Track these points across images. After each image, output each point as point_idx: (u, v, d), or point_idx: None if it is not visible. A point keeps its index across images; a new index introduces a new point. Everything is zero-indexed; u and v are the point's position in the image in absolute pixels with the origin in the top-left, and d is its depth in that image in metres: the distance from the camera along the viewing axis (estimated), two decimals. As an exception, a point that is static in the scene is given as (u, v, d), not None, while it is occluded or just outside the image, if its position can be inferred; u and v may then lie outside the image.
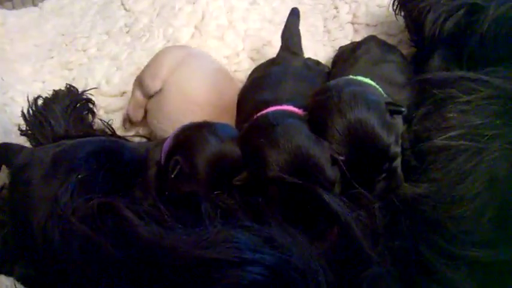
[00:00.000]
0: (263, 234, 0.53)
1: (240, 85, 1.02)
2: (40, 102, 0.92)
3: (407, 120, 0.81)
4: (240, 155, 0.67)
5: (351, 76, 0.79)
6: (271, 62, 0.97)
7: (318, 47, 1.19)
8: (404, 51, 1.09)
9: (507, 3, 0.87)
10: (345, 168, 0.65)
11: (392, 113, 0.70)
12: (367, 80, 0.77)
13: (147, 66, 0.95)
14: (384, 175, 0.70)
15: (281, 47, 0.98)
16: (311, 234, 0.60)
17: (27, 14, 1.50)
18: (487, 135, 0.70)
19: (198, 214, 0.56)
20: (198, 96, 0.87)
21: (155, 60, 0.94)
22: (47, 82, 1.21)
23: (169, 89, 0.88)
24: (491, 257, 0.59)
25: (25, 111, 0.86)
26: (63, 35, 1.37)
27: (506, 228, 0.61)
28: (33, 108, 0.89)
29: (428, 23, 0.95)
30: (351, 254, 0.58)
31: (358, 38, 1.17)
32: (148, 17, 1.28)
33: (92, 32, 1.33)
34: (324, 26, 1.27)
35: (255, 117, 0.74)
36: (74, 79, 1.18)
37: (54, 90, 0.99)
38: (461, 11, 0.93)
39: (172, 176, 0.63)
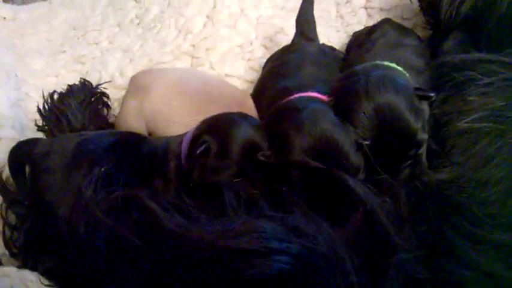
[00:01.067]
0: (287, 223, 0.52)
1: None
2: (56, 97, 0.91)
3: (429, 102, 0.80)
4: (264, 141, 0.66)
5: (377, 61, 0.77)
6: (287, 49, 0.96)
7: (331, 33, 1.18)
8: (420, 35, 1.07)
9: (526, -16, 0.84)
10: (370, 153, 0.64)
11: (421, 98, 0.68)
12: (394, 65, 0.76)
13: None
14: (409, 162, 0.68)
15: (296, 32, 0.97)
16: (334, 220, 0.59)
17: (37, 9, 1.50)
18: (509, 116, 0.68)
19: (221, 204, 0.56)
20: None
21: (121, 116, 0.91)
22: (60, 76, 1.21)
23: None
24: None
25: (41, 107, 0.85)
26: (74, 28, 1.36)
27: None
28: (49, 103, 0.89)
29: (444, 5, 0.94)
30: (376, 240, 0.57)
31: (371, 23, 1.15)
32: (159, 8, 1.27)
33: (103, 25, 1.32)
34: (337, 11, 1.25)
35: (278, 103, 0.73)
36: (87, 73, 1.18)
37: (68, 84, 0.98)
38: (478, -8, 0.91)
39: (198, 153, 0.63)
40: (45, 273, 0.67)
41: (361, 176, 0.65)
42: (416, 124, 0.66)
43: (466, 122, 0.70)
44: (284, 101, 0.72)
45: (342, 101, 0.69)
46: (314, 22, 0.97)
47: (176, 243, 0.48)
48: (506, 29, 0.85)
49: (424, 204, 0.63)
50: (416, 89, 0.69)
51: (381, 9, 1.19)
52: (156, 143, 0.74)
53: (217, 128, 0.67)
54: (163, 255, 0.48)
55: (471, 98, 0.75)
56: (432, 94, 0.69)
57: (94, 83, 1.09)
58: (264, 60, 1.05)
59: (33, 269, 0.69)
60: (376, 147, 0.65)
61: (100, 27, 1.32)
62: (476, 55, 0.80)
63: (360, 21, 1.19)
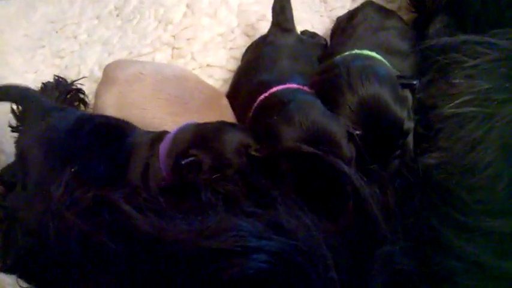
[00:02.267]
0: (267, 218, 0.51)
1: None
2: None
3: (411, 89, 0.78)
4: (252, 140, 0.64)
5: (356, 50, 0.75)
6: (262, 41, 0.93)
7: (315, 19, 1.15)
8: (404, 18, 1.05)
9: (511, -37, 0.82)
10: (360, 143, 0.63)
11: (404, 86, 0.66)
12: (373, 54, 0.74)
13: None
14: (397, 152, 0.67)
15: (272, 23, 0.95)
16: (324, 211, 0.58)
17: (14, 4, 1.46)
18: (496, 99, 0.67)
19: (199, 202, 0.54)
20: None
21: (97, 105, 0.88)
22: (39, 72, 1.19)
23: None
24: (507, 227, 0.56)
25: (14, 107, 0.83)
26: (52, 22, 1.33)
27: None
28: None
29: (430, -13, 0.91)
30: (366, 232, 0.55)
31: (355, 7, 1.12)
32: (138, -1, 1.24)
33: (81, 17, 1.29)
34: None
35: (260, 98, 0.71)
36: (66, 67, 1.16)
37: (42, 83, 0.96)
38: (463, -27, 0.88)
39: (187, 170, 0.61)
40: (22, 277, 0.65)
41: (353, 166, 0.63)
42: (402, 114, 0.64)
43: (450, 107, 0.68)
44: (266, 94, 0.70)
45: (325, 94, 0.67)
46: (290, 10, 0.94)
47: (151, 244, 0.46)
48: (492, 10, 0.83)
49: (412, 194, 0.61)
50: (399, 77, 0.66)
51: (365, -8, 1.16)
52: (140, 137, 0.72)
53: (205, 141, 0.65)
54: (138, 257, 0.46)
55: (456, 81, 0.74)
56: (415, 82, 0.67)
57: (73, 78, 1.07)
58: (246, 49, 1.03)
59: (11, 272, 0.67)
60: (364, 138, 0.64)
61: (78, 20, 1.29)
62: (462, 37, 0.78)
63: (344, 5, 1.16)
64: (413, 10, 1.04)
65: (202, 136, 0.65)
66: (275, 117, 0.63)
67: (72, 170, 0.58)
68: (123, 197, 0.53)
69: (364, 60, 0.69)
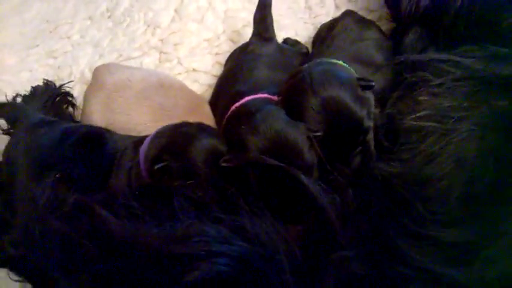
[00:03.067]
0: (233, 224, 0.55)
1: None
2: (19, 100, 0.93)
3: (382, 103, 0.83)
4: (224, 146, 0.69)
5: (323, 59, 0.80)
6: (243, 50, 0.97)
7: (299, 25, 1.19)
8: (384, 27, 1.09)
9: (482, -20, 0.86)
10: (321, 146, 0.68)
11: (363, 88, 0.71)
12: (336, 60, 0.78)
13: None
14: (359, 149, 0.72)
15: (253, 32, 0.99)
16: (287, 218, 0.63)
17: (9, 2, 1.49)
18: (454, 117, 0.71)
19: (172, 207, 0.59)
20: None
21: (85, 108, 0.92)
22: (34, 71, 1.23)
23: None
24: (455, 237, 0.61)
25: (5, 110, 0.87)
26: (47, 21, 1.37)
27: (471, 208, 0.63)
28: (11, 106, 0.90)
29: (404, 1, 0.96)
30: (323, 237, 0.60)
31: (339, 14, 1.16)
32: (129, 1, 1.28)
33: (74, 18, 1.33)
34: (306, 2, 1.25)
35: (233, 107, 0.76)
36: (59, 67, 1.20)
37: (32, 87, 1.00)
38: (437, -13, 0.93)
39: (159, 175, 0.66)
40: (13, 270, 0.70)
41: (315, 173, 0.68)
42: (361, 112, 0.69)
43: (413, 119, 0.73)
44: (238, 104, 0.75)
45: (291, 99, 0.72)
46: (271, 20, 0.98)
47: (124, 248, 0.51)
48: (461, 26, 0.87)
49: (370, 202, 0.66)
50: (359, 79, 0.71)
51: (348, 1, 1.20)
52: (119, 142, 0.76)
53: (176, 147, 0.69)
54: (112, 259, 0.51)
55: (422, 98, 0.78)
56: (373, 83, 0.72)
57: (65, 78, 1.12)
58: (232, 55, 1.07)
59: (2, 266, 0.71)
60: (327, 137, 0.68)
61: (72, 20, 1.33)
62: (429, 55, 0.83)
63: (328, 13, 1.20)
64: (391, 20, 1.08)
65: (174, 142, 0.69)
66: (242, 127, 0.67)
67: (57, 176, 0.63)
68: (102, 201, 0.58)
69: (326, 65, 0.74)
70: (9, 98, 1.02)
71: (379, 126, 0.79)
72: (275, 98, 0.76)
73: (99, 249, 0.52)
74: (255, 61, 0.91)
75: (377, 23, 1.12)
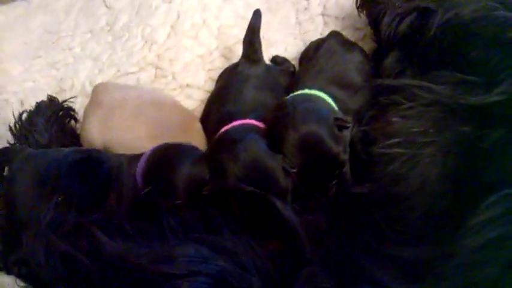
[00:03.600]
0: (214, 244, 0.63)
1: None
2: (24, 116, 1.01)
3: (359, 119, 0.90)
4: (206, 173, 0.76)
5: (306, 91, 0.88)
6: (233, 70, 1.04)
7: (289, 41, 1.23)
8: (369, 45, 1.15)
9: (454, 9, 0.92)
10: (297, 178, 0.75)
11: (340, 127, 0.78)
12: (322, 95, 0.86)
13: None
14: (335, 181, 0.79)
15: (242, 53, 1.05)
16: (263, 238, 0.70)
17: (13, 10, 1.55)
18: (421, 142, 0.78)
19: (162, 227, 0.66)
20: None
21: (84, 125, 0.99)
22: (37, 81, 1.29)
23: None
24: (413, 255, 0.68)
25: (12, 126, 0.95)
26: (49, 32, 1.43)
27: (429, 229, 0.71)
28: (19, 123, 0.98)
29: (384, 25, 1.02)
30: (295, 254, 0.68)
31: (327, 31, 1.21)
32: (128, 15, 1.34)
33: (76, 30, 1.39)
34: (296, 18, 1.29)
35: (220, 131, 0.84)
36: (61, 79, 1.26)
37: (36, 102, 1.07)
38: (414, 14, 0.99)
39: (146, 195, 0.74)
40: (20, 277, 0.77)
41: (289, 197, 0.75)
42: (337, 149, 0.76)
43: (383, 147, 0.80)
44: (224, 129, 0.82)
45: (274, 131, 0.79)
46: (259, 43, 1.04)
47: (116, 266, 0.59)
48: (434, 53, 0.93)
49: (340, 222, 0.73)
50: (336, 119, 0.78)
51: (336, 18, 1.25)
52: (114, 162, 0.83)
53: (162, 173, 0.76)
54: (106, 277, 0.59)
55: (394, 119, 0.85)
56: (349, 124, 0.79)
57: (67, 90, 1.19)
58: (224, 71, 1.13)
59: (9, 272, 0.79)
60: (305, 170, 0.76)
61: (73, 33, 1.39)
62: (402, 81, 0.89)
63: (317, 29, 1.24)
64: (375, 40, 1.14)
65: (161, 167, 0.77)
66: (225, 155, 0.75)
67: (59, 199, 0.70)
68: (98, 221, 0.65)
69: (308, 103, 0.81)
70: (16, 109, 1.11)
71: (355, 142, 0.87)
72: (260, 124, 0.83)
73: (97, 268, 0.59)
74: (244, 82, 0.98)
75: (362, 40, 1.19)
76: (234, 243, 0.65)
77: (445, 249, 0.67)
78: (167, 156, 0.79)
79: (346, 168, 0.81)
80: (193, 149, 0.81)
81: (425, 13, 0.97)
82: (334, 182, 0.79)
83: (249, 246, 0.65)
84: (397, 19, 1.01)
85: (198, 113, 1.08)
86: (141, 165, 0.79)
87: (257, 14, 1.04)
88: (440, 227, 0.70)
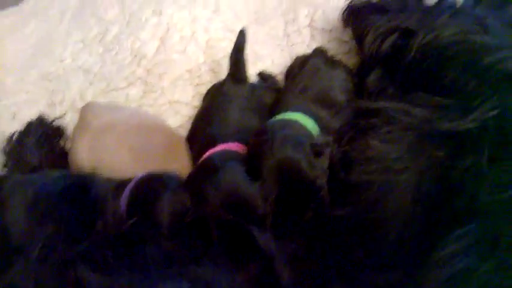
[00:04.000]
0: (195, 275, 0.66)
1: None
2: (15, 137, 1.04)
3: (340, 138, 0.93)
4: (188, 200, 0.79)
5: (286, 115, 0.91)
6: (220, 89, 1.07)
7: (276, 54, 1.24)
8: (355, 59, 1.17)
9: (434, 32, 0.95)
10: (275, 204, 0.78)
11: (316, 154, 0.81)
12: (301, 119, 0.89)
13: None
14: (313, 205, 0.82)
15: (228, 72, 1.08)
16: (241, 266, 0.74)
17: (8, 17, 1.57)
18: (396, 168, 0.81)
19: (145, 257, 0.70)
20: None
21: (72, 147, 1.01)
22: (31, 93, 1.31)
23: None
24: (385, 280, 0.72)
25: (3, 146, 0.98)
26: (43, 41, 1.44)
27: (402, 253, 0.74)
28: (10, 144, 1.01)
29: (366, 43, 1.04)
30: (271, 279, 0.71)
31: (314, 44, 1.24)
32: (118, 27, 1.35)
33: (67, 40, 1.40)
34: (284, 30, 1.31)
35: (203, 157, 0.87)
36: (53, 91, 1.28)
37: (27, 122, 1.09)
38: (396, 34, 1.01)
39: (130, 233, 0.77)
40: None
41: (268, 222, 0.79)
42: (313, 175, 0.79)
43: (359, 173, 0.83)
44: (206, 156, 0.85)
45: (255, 156, 0.82)
46: (243, 63, 1.07)
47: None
48: (414, 74, 0.96)
49: (316, 246, 0.77)
50: (313, 145, 0.81)
51: (323, 30, 1.27)
52: (101, 188, 0.86)
53: (144, 204, 0.80)
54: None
55: (373, 142, 0.88)
56: (326, 150, 0.82)
57: (57, 104, 1.21)
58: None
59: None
60: (283, 195, 0.79)
61: (64, 42, 1.40)
62: (381, 103, 0.92)
63: (304, 41, 1.26)
64: (360, 56, 1.16)
65: (143, 198, 0.80)
66: (205, 182, 0.78)
67: (48, 231, 0.74)
68: (83, 252, 0.69)
69: (288, 130, 0.85)
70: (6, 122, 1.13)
71: (335, 162, 0.90)
72: (241, 149, 0.86)
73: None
74: (228, 103, 1.01)
75: (348, 54, 1.21)
76: (214, 272, 0.67)
77: (416, 278, 0.70)
78: (149, 188, 0.81)
79: (323, 192, 0.84)
80: (175, 177, 0.84)
81: (406, 34, 0.99)
82: (311, 207, 0.82)
83: (229, 273, 0.68)
84: (380, 38, 1.03)
85: (185, 129, 1.10)
86: (125, 195, 0.82)
87: (242, 34, 1.05)
88: (411, 254, 0.73)
